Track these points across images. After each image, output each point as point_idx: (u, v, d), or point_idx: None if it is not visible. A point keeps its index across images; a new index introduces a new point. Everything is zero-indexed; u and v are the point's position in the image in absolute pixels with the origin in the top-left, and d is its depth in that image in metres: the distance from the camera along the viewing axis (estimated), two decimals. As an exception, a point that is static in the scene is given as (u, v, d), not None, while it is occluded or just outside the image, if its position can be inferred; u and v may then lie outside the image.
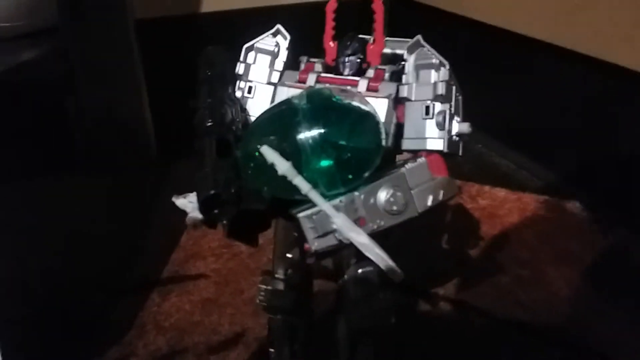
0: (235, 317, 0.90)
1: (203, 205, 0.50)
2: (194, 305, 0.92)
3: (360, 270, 0.63)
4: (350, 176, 0.51)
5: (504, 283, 0.98)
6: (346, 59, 0.61)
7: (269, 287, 0.66)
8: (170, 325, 0.89)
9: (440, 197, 0.55)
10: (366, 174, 0.52)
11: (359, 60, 0.61)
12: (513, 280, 0.98)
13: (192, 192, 0.53)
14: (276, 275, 0.66)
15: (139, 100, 1.15)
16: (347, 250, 0.63)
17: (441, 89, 0.56)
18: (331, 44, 0.63)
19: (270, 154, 0.48)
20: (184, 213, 0.53)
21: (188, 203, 0.53)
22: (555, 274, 1.00)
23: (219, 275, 0.98)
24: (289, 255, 0.65)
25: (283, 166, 0.48)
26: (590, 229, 1.10)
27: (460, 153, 0.58)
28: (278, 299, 0.65)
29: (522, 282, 0.98)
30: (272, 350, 0.70)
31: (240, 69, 0.63)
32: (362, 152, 0.51)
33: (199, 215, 0.51)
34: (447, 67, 0.56)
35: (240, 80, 0.63)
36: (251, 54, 0.63)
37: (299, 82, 0.61)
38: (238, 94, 0.62)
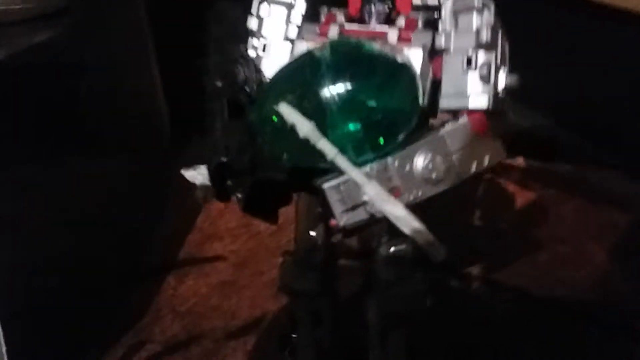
0: (255, 300, 0.84)
1: (213, 175, 0.44)
2: (212, 289, 0.87)
3: (392, 249, 0.57)
4: (382, 140, 0.44)
5: (542, 261, 0.91)
6: (372, 8, 0.53)
7: (291, 269, 0.60)
8: (187, 310, 0.84)
9: (486, 162, 0.48)
10: (401, 137, 0.45)
11: (387, 8, 0.53)
12: (552, 258, 0.91)
13: (202, 164, 0.47)
14: (298, 256, 0.60)
15: (151, 78, 1.10)
16: (377, 226, 0.57)
17: (485, 36, 0.48)
18: (354, -9, 0.55)
19: (289, 113, 0.41)
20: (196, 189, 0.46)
21: (198, 175, 0.47)
22: (597, 249, 0.92)
23: (237, 257, 0.92)
24: (312, 234, 0.59)
25: (305, 127, 0.41)
26: (634, 200, 1.02)
27: (506, 111, 0.51)
28: (300, 282, 0.59)
29: (561, 260, 0.91)
30: (294, 335, 0.64)
31: (252, 24, 0.56)
32: (396, 112, 0.44)
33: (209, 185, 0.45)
34: (492, 8, 0.48)
35: (253, 37, 0.56)
36: (264, 6, 0.56)
37: (320, 35, 0.54)
38: (251, 52, 0.55)
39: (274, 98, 0.44)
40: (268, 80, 0.51)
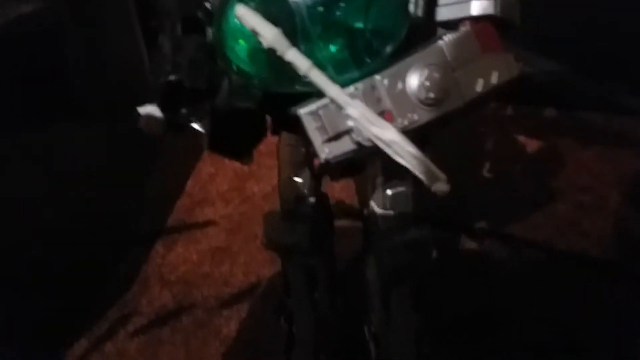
0: (250, 266, 0.78)
1: (161, 98, 0.36)
2: (203, 256, 0.81)
3: (390, 192, 0.49)
4: (367, 55, 0.36)
5: (561, 212, 0.84)
6: None
7: (276, 221, 0.53)
8: (176, 279, 0.78)
9: (494, 79, 0.40)
10: (388, 50, 0.37)
11: None
12: (573, 208, 0.85)
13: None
14: (282, 206, 0.53)
15: (134, 42, 1.04)
16: (371, 168, 0.50)
17: None
18: None
19: (249, 16, 0.34)
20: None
21: (155, 110, 0.40)
22: (621, 198, 0.85)
23: (230, 222, 0.86)
24: (297, 180, 0.51)
25: (269, 34, 0.34)
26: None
27: (517, 22, 0.43)
28: (288, 236, 0.52)
29: (583, 210, 0.84)
30: (289, 299, 0.58)
31: None
32: (383, 21, 0.36)
33: (159, 114, 0.37)
34: None
35: None
36: None
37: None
38: None
39: (235, 4, 0.36)
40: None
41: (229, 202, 0.89)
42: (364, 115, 0.36)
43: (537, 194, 0.87)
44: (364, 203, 0.53)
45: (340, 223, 0.64)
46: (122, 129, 0.95)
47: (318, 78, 0.35)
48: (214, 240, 0.83)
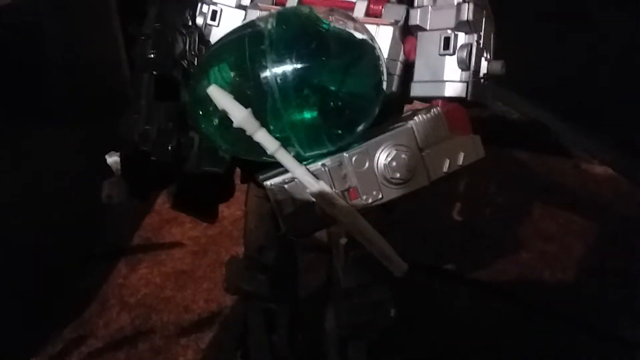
0: (212, 292, 0.78)
1: (126, 168, 0.36)
2: (166, 278, 0.80)
3: (352, 253, 0.50)
4: (336, 131, 0.37)
5: (526, 260, 0.85)
6: (339, -27, 0.45)
7: (239, 268, 0.53)
8: (136, 302, 0.77)
9: (460, 161, 0.41)
10: (359, 129, 0.38)
11: (356, -27, 0.45)
12: (537, 257, 0.86)
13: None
14: (246, 254, 0.53)
15: (113, 41, 1.02)
16: (336, 227, 0.50)
17: (467, 14, 0.40)
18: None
19: (220, 97, 0.34)
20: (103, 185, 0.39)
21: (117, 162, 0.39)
22: (585, 250, 0.87)
23: (196, 244, 0.85)
24: (263, 229, 0.51)
25: (239, 115, 0.34)
26: (625, 199, 0.96)
27: (488, 102, 0.43)
28: (250, 283, 0.53)
29: (547, 259, 0.85)
30: (247, 337, 0.58)
31: (201, -13, 0.48)
32: (354, 98, 0.36)
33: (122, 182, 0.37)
34: (477, -19, 0.41)
35: (202, 3, 0.48)
36: (216, -33, 0.48)
37: (277, 4, 0.46)
38: (199, 20, 0.47)
39: (208, 75, 0.36)
40: (205, 53, 0.43)
41: (197, 223, 0.89)
42: (327, 197, 0.36)
43: (504, 240, 0.88)
44: (328, 250, 0.54)
45: (308, 256, 0.65)
46: (94, 135, 0.94)
47: (285, 159, 0.35)
48: (179, 263, 0.82)
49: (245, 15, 0.47)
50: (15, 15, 0.79)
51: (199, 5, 0.48)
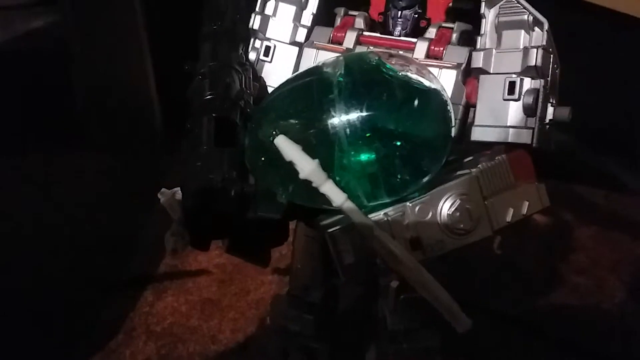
0: (239, 322, 0.76)
1: (189, 219, 0.35)
2: (192, 307, 0.78)
3: (402, 296, 0.48)
4: (402, 181, 0.35)
5: (557, 294, 0.83)
6: (399, 13, 0.44)
7: (284, 307, 0.52)
8: (162, 330, 0.75)
9: (525, 210, 0.40)
10: (426, 179, 0.36)
11: (416, 14, 0.44)
12: (568, 291, 0.83)
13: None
14: (292, 292, 0.52)
15: (144, 73, 1.02)
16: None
17: (534, 58, 0.39)
18: (379, -10, 0.46)
19: (288, 148, 0.33)
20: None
21: (177, 204, 0.38)
22: (618, 283, 0.85)
23: (223, 272, 0.84)
24: (310, 268, 0.50)
25: (307, 167, 0.33)
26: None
27: (551, 148, 0.42)
28: (295, 322, 0.51)
29: (579, 293, 0.83)
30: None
31: (255, 22, 0.47)
32: (422, 148, 0.35)
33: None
34: (546, 26, 0.40)
35: (255, 38, 0.47)
36: (270, 3, 0.47)
37: (333, 42, 0.45)
38: (252, 55, 0.47)
39: (272, 122, 0.35)
40: (267, 97, 0.42)
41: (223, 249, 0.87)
42: (392, 251, 0.35)
43: (538, 272, 0.86)
44: (371, 292, 0.53)
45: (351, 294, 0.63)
46: (120, 161, 0.94)
47: (351, 211, 0.34)
48: (205, 292, 0.81)
49: (300, 52, 0.46)
50: (42, 38, 0.80)
51: (252, 40, 0.47)
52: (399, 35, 0.45)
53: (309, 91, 0.35)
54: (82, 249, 0.78)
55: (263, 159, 0.35)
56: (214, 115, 0.37)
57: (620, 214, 0.98)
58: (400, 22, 0.44)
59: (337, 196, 0.33)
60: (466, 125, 0.43)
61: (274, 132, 0.34)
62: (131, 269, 0.84)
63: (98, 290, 0.78)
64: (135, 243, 0.86)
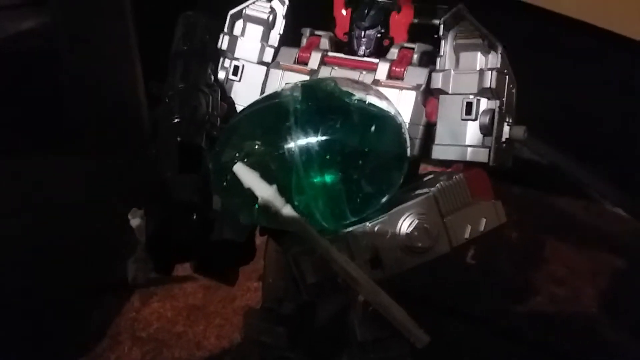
0: (224, 329, 0.78)
1: (151, 245, 0.36)
2: (178, 313, 0.80)
3: (370, 308, 0.50)
4: (360, 204, 0.37)
5: (535, 303, 0.84)
6: (362, 33, 0.45)
7: (257, 320, 0.53)
8: (148, 336, 0.77)
9: (482, 227, 0.41)
10: (384, 199, 0.38)
11: (379, 34, 0.46)
12: (546, 300, 0.85)
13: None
14: (265, 305, 0.53)
15: (132, 72, 1.03)
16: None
17: (490, 80, 0.41)
18: (343, 11, 0.47)
19: (246, 175, 0.34)
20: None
21: (144, 227, 0.39)
22: (595, 293, 0.86)
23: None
24: (281, 282, 0.51)
25: (264, 193, 0.34)
26: (637, 241, 0.95)
27: (509, 166, 0.43)
28: (265, 335, 0.52)
29: (556, 302, 0.84)
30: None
31: (224, 42, 0.48)
32: (378, 172, 0.36)
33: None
34: (500, 49, 0.41)
35: (224, 58, 0.48)
36: (239, 23, 0.48)
37: (299, 62, 0.46)
38: (221, 74, 0.48)
39: (233, 147, 0.36)
40: (231, 120, 0.43)
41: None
42: (350, 272, 0.36)
43: (515, 282, 0.88)
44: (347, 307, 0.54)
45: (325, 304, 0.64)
46: (107, 166, 0.94)
47: (309, 235, 0.35)
48: (191, 298, 0.82)
49: (267, 72, 0.47)
50: (33, 40, 0.80)
51: (222, 59, 0.48)
52: (363, 55, 0.46)
53: (269, 117, 0.36)
54: (69, 253, 0.79)
55: (225, 183, 0.36)
56: (179, 139, 0.38)
57: (599, 226, 0.99)
58: (364, 42, 0.45)
59: (294, 221, 0.35)
60: (428, 143, 0.44)
61: (235, 156, 0.35)
62: (117, 273, 0.85)
63: (85, 295, 0.80)
64: (122, 248, 0.87)
